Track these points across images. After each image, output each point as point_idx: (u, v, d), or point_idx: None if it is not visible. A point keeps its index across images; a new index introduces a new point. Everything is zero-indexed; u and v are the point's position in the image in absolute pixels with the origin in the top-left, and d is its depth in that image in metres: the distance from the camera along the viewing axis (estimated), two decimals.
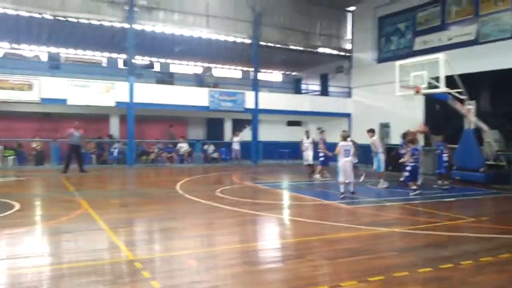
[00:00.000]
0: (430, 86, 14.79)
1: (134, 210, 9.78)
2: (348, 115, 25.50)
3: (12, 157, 19.44)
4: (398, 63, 16.10)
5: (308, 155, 16.93)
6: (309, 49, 25.36)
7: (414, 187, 11.99)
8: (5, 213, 8.54)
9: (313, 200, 10.93)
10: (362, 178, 15.00)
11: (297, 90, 30.27)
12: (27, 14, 18.74)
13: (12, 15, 18.80)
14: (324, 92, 28.12)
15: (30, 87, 18.32)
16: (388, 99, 20.54)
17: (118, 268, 5.45)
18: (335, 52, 26.08)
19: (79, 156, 17.04)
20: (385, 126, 22.69)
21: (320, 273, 5.38)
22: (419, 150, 12.54)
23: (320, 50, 25.69)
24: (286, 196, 12.65)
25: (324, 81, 28.80)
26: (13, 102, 18.52)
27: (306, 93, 29.59)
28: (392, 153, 16.46)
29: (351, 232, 7.48)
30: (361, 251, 6.22)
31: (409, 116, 19.65)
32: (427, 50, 19.30)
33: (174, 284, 4.74)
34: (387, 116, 22.11)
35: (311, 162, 16.91)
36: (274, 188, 13.63)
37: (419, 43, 21.13)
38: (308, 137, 17.18)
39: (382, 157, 13.82)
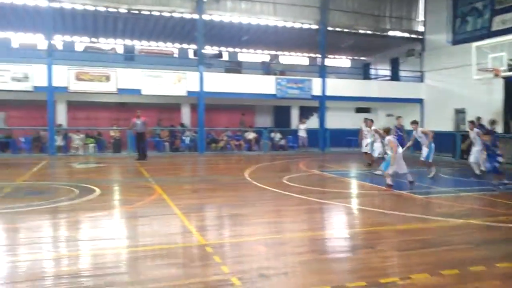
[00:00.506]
0: (510, 68, 13.89)
1: (205, 196, 10.14)
2: (420, 101, 24.44)
3: (92, 144, 20.78)
4: (475, 44, 15.29)
5: (366, 143, 16.30)
6: (379, 33, 24.48)
7: (496, 180, 11.34)
8: (87, 197, 9.17)
9: (381, 189, 10.67)
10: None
11: (366, 76, 29.45)
12: (104, 9, 19.81)
13: (91, 11, 19.96)
14: (395, 77, 27.10)
15: (107, 78, 19.41)
16: (464, 83, 19.50)
17: (190, 252, 5.70)
18: (406, 34, 24.95)
19: (143, 143, 17.72)
20: (460, 112, 21.55)
21: (390, 264, 5.27)
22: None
23: (390, 33, 24.71)
24: (353, 185, 12.47)
25: (395, 65, 27.70)
26: (93, 93, 19.79)
27: (375, 78, 28.76)
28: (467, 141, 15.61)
29: (423, 223, 7.25)
30: (434, 243, 6.02)
31: (487, 100, 18.62)
32: (507, 30, 17.94)
33: (243, 270, 4.85)
34: (462, 101, 20.97)
35: (369, 151, 16.33)
36: (341, 176, 13.49)
37: (498, 22, 19.66)
38: (367, 125, 16.64)
39: (433, 146, 13.10)
